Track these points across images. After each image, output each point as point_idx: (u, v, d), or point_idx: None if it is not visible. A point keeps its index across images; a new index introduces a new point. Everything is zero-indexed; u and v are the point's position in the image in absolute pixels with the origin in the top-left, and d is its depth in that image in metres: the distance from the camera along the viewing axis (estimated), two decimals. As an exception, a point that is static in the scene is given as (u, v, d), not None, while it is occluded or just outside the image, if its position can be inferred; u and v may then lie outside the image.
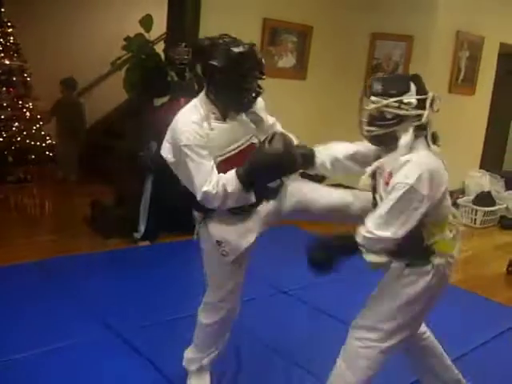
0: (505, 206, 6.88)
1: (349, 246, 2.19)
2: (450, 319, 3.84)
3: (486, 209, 6.68)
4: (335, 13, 6.29)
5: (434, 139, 2.23)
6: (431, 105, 2.17)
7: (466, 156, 7.12)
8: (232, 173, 2.31)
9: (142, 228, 4.83)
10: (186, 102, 4.73)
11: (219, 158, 2.36)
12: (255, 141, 2.51)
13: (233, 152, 2.40)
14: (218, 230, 2.48)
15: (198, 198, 2.30)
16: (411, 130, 2.17)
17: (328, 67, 6.36)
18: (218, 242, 2.47)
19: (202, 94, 2.45)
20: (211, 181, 2.28)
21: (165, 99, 4.61)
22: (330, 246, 2.25)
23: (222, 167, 2.34)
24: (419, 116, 2.16)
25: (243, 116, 2.47)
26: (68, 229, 5.08)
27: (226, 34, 2.36)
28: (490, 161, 7.65)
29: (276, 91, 5.73)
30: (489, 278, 5.04)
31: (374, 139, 2.26)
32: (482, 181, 6.99)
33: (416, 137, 2.18)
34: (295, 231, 5.36)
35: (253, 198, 2.37)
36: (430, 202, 2.12)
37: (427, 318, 2.49)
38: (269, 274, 4.30)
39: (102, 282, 3.97)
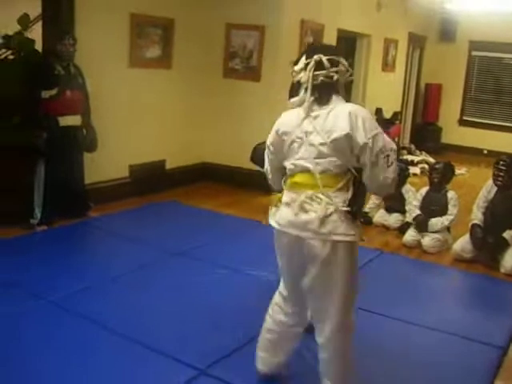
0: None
1: None
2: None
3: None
4: (193, 6, 6.86)
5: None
6: (312, 68, 2.54)
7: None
8: None
9: (38, 213, 5.14)
10: (72, 94, 5.17)
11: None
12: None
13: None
14: None
15: None
16: (301, 92, 2.61)
17: (191, 56, 6.93)
18: None
19: None
20: None
21: (53, 92, 5.00)
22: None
23: None
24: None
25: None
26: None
27: None
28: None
29: (144, 79, 6.32)
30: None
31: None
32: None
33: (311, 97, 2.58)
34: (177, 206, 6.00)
35: None
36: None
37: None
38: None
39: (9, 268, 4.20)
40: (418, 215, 5.54)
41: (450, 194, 5.56)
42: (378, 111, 9.58)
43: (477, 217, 5.27)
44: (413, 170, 8.69)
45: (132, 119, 6.32)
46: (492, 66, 11.76)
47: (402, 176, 6.00)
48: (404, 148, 10.83)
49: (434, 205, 5.54)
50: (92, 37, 5.65)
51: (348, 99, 2.66)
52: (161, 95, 6.65)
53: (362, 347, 3.09)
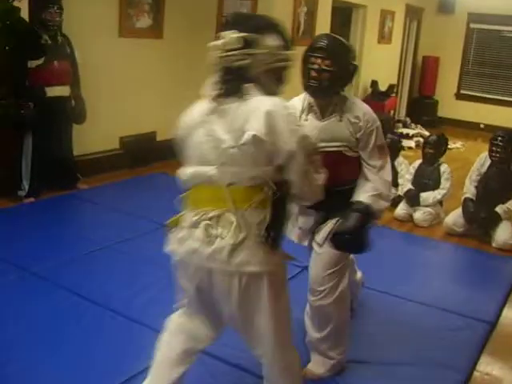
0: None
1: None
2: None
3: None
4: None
5: None
6: (223, 46, 2.05)
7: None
8: None
9: (26, 185, 5.08)
10: (60, 64, 5.05)
11: None
12: (343, 150, 2.63)
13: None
14: None
15: None
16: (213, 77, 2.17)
17: (182, 25, 6.79)
18: None
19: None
20: None
21: (40, 61, 4.90)
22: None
23: None
24: None
25: (342, 120, 2.61)
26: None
27: None
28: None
29: (134, 49, 6.21)
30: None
31: None
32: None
33: None
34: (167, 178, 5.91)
35: None
36: None
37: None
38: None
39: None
40: (409, 189, 5.50)
41: (443, 168, 5.50)
42: (374, 83, 9.50)
43: (469, 190, 5.22)
44: (408, 143, 8.65)
45: (122, 90, 6.22)
46: (490, 39, 11.61)
47: (395, 148, 5.94)
48: (399, 121, 10.76)
49: (426, 178, 5.49)
50: (81, 6, 5.54)
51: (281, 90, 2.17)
52: (152, 65, 6.53)
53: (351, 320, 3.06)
